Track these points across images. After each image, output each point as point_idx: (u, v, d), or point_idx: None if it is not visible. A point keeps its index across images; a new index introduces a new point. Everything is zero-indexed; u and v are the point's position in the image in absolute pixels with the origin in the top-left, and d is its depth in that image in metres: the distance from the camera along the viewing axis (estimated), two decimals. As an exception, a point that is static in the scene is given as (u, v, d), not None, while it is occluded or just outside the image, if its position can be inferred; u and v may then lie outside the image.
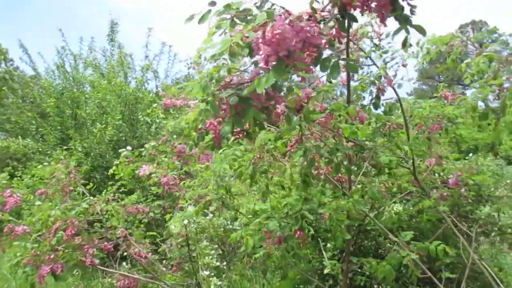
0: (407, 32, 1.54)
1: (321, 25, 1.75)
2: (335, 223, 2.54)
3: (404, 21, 1.57)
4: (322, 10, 1.76)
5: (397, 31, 1.61)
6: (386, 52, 3.22)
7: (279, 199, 2.84)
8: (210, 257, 3.65)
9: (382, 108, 3.38)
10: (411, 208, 4.37)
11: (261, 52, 1.67)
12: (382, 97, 3.94)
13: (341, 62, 1.76)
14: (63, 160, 4.40)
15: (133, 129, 8.29)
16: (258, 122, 2.36)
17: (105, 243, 4.84)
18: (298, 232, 2.76)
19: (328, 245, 5.19)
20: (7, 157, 11.04)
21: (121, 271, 4.90)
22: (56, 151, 7.54)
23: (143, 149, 4.91)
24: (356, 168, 3.66)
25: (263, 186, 3.02)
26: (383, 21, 1.62)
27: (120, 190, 5.39)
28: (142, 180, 4.91)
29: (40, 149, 8.60)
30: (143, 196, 6.10)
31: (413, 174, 3.96)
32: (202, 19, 1.79)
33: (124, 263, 6.07)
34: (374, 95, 3.24)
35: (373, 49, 3.18)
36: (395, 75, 3.94)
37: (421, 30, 1.60)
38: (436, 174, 4.84)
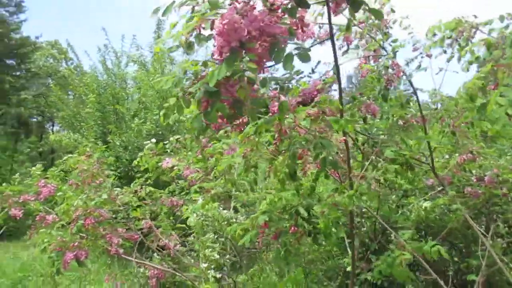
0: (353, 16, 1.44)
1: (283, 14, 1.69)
2: (326, 220, 2.45)
3: (357, 5, 1.47)
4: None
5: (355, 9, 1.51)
6: (395, 41, 3.05)
7: (277, 194, 2.79)
8: (211, 250, 3.66)
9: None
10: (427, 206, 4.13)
11: (215, 44, 1.63)
12: (399, 89, 3.77)
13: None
14: (88, 152, 4.58)
15: (170, 123, 8.48)
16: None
17: (132, 233, 5.03)
18: (293, 228, 2.70)
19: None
20: (60, 151, 11.74)
21: (145, 261, 5.06)
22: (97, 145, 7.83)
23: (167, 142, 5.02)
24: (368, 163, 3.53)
25: (274, 180, 2.98)
26: (338, 6, 1.53)
27: (147, 183, 5.54)
28: (165, 173, 5.01)
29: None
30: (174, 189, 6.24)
31: (432, 170, 3.75)
32: (165, 12, 1.78)
33: (155, 254, 6.25)
34: (382, 86, 3.08)
35: (381, 38, 3.02)
36: (419, 66, 3.74)
37: (377, 14, 1.49)
38: (474, 171, 4.57)
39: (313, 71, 3.58)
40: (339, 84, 2.44)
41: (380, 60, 2.88)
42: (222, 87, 1.88)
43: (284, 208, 2.75)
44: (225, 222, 3.92)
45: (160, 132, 8.33)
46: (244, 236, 2.78)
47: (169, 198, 5.65)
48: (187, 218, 4.48)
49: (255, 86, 1.97)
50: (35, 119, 25.90)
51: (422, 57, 3.72)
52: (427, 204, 4.46)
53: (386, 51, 3.25)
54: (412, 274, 3.32)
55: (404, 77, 3.07)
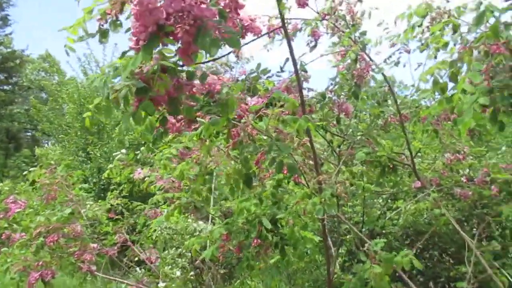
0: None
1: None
2: (290, 231, 2.20)
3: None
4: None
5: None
6: (363, 33, 2.82)
7: (238, 204, 2.53)
8: (170, 267, 3.40)
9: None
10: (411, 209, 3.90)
11: (131, 30, 1.39)
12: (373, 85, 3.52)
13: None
14: (52, 166, 4.32)
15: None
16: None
17: (107, 248, 4.77)
18: (256, 240, 2.45)
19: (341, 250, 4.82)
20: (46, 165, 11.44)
21: (119, 278, 4.79)
22: (78, 157, 7.60)
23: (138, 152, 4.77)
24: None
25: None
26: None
27: (122, 195, 5.28)
28: (138, 184, 4.76)
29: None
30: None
31: (414, 171, 3.52)
32: (80, -3, 1.54)
33: (137, 268, 5.97)
34: (353, 83, 2.85)
35: (349, 30, 2.79)
36: (397, 63, 3.52)
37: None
38: (462, 171, 4.35)
39: (281, 70, 3.36)
40: (298, 81, 2.22)
41: (349, 52, 2.64)
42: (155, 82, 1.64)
43: (247, 219, 2.50)
44: (188, 236, 3.66)
45: (144, 142, 8.06)
46: (205, 250, 2.53)
47: (152, 209, 5.39)
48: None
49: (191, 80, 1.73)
50: (29, 133, 25.59)
51: (400, 52, 3.51)
52: (410, 207, 4.23)
53: (360, 42, 3.03)
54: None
55: (378, 72, 2.83)
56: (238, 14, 1.52)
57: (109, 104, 1.71)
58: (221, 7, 1.48)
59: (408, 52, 3.51)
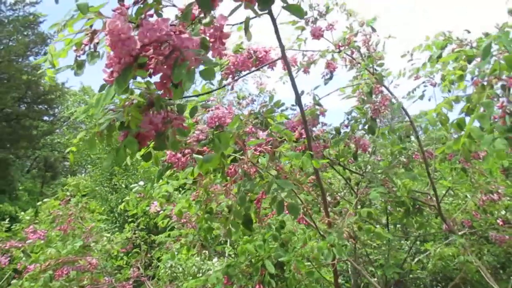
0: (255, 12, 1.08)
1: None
2: (292, 277, 2.00)
3: (265, 2, 1.11)
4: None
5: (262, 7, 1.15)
6: (381, 65, 2.66)
7: (241, 245, 2.36)
8: None
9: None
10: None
11: (106, 63, 1.30)
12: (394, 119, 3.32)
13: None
14: (67, 197, 4.31)
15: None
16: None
17: (123, 283, 4.66)
18: (258, 286, 2.26)
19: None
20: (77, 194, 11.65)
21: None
22: (103, 187, 7.66)
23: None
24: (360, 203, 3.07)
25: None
26: (248, 6, 1.18)
27: (139, 228, 5.21)
28: (153, 217, 4.68)
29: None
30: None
31: (438, 212, 3.25)
32: (64, 26, 1.47)
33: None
34: (368, 117, 2.67)
35: (365, 62, 2.64)
36: (422, 96, 3.33)
37: (297, 11, 1.13)
38: (498, 213, 4.03)
39: (296, 103, 3.23)
40: (303, 115, 2.08)
41: (362, 84, 2.48)
42: (144, 117, 1.54)
43: (250, 261, 2.32)
44: (190, 277, 3.48)
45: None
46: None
47: (168, 243, 5.26)
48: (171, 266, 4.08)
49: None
50: (67, 162, 26.43)
51: (425, 86, 3.32)
52: (438, 250, 3.89)
53: (375, 74, 2.87)
54: None
55: (397, 107, 2.65)
56: (223, 44, 1.41)
57: (93, 138, 1.62)
58: (204, 36, 1.37)
59: (434, 85, 3.31)
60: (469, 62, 1.73)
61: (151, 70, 1.33)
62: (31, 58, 20.53)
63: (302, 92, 3.07)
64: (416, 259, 4.60)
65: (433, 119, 1.62)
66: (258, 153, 2.08)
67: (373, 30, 2.64)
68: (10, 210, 16.74)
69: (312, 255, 2.13)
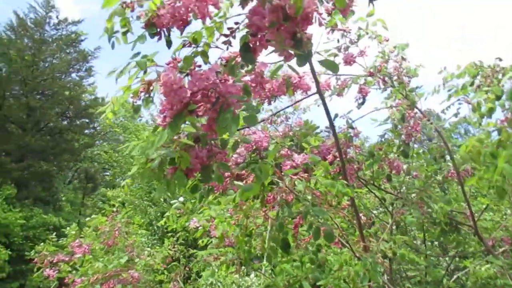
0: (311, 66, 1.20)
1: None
2: (329, 300, 2.09)
3: (303, 58, 1.24)
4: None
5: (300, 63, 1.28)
6: (412, 90, 2.72)
7: (279, 265, 2.47)
8: None
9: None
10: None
11: (159, 107, 1.47)
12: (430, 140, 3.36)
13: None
14: (113, 213, 4.54)
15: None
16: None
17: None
18: (297, 307, 2.36)
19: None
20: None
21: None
22: (143, 201, 7.93)
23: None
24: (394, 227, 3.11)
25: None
26: (287, 60, 1.31)
27: (179, 242, 5.40)
28: (192, 232, 4.84)
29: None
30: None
31: (475, 231, 3.24)
32: (121, 73, 1.65)
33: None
34: (401, 141, 2.74)
35: (397, 87, 2.71)
36: (457, 114, 3.36)
37: (332, 66, 1.25)
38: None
39: (330, 125, 3.33)
40: (336, 138, 2.17)
41: (393, 111, 2.56)
42: (191, 152, 1.69)
43: (288, 281, 2.43)
44: None
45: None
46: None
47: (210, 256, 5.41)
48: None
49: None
50: (107, 173, 27.32)
51: (460, 103, 3.34)
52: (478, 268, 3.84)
53: (408, 98, 2.93)
54: None
55: (429, 130, 2.70)
56: (264, 89, 1.55)
57: (145, 171, 1.78)
58: (246, 82, 1.51)
59: (469, 103, 3.33)
60: (498, 98, 1.79)
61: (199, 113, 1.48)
62: (73, 75, 21.52)
63: (336, 115, 3.17)
64: (454, 277, 4.54)
65: (465, 156, 1.68)
66: (295, 177, 2.19)
67: (404, 59, 2.71)
68: (54, 221, 17.51)
69: (348, 278, 2.21)
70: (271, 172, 1.97)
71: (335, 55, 3.00)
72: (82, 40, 21.82)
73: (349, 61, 2.93)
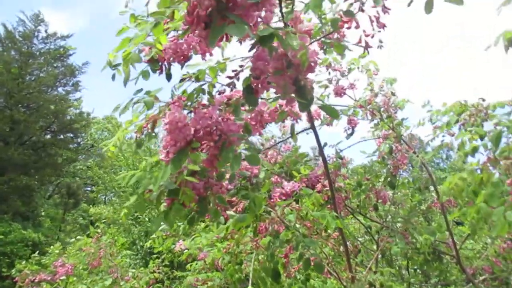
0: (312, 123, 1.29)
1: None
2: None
3: (305, 106, 1.32)
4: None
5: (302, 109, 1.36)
6: (399, 124, 2.84)
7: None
8: None
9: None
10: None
11: (162, 143, 1.53)
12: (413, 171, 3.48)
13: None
14: (98, 234, 4.53)
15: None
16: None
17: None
18: (284, 334, 2.40)
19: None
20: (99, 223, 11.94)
21: None
22: (127, 220, 7.85)
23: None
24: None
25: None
26: (289, 104, 1.39)
27: (164, 264, 5.37)
28: (177, 254, 4.84)
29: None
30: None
31: (457, 260, 3.33)
32: (124, 110, 1.72)
33: None
34: (389, 173, 2.84)
35: (385, 121, 2.83)
36: (441, 146, 3.49)
37: (332, 112, 1.34)
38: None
39: (319, 153, 3.41)
40: (326, 168, 2.25)
41: (382, 144, 2.66)
42: (187, 184, 1.75)
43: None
44: None
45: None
46: None
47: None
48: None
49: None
50: (89, 188, 26.92)
51: (443, 136, 3.48)
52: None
53: (396, 132, 3.05)
54: None
55: (415, 165, 2.81)
56: (263, 128, 1.63)
57: (143, 202, 1.83)
58: (247, 121, 1.58)
59: (452, 135, 3.47)
60: (481, 139, 1.90)
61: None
62: (60, 89, 21.39)
63: (325, 144, 3.27)
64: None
65: (447, 191, 1.78)
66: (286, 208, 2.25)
67: (393, 94, 2.84)
68: (33, 236, 17.13)
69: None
70: (264, 203, 2.03)
71: (326, 87, 3.10)
72: (70, 55, 21.82)
73: (339, 92, 3.03)
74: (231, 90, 1.55)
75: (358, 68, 2.80)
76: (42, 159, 19.74)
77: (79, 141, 22.78)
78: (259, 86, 1.47)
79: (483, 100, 2.33)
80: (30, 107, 20.01)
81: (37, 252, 5.61)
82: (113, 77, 1.85)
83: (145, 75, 1.73)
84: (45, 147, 20.36)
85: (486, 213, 1.50)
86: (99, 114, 31.87)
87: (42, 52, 21.06)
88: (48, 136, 21.43)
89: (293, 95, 1.39)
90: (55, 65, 21.35)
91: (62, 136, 21.72)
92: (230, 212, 2.23)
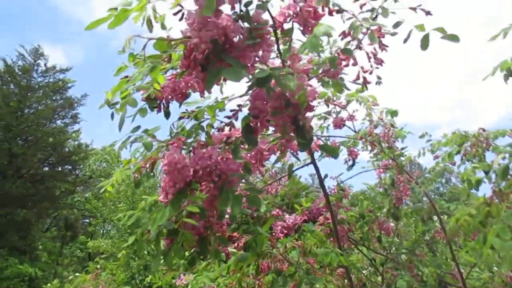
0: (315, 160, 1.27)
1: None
2: None
3: (305, 146, 1.30)
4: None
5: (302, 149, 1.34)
6: (400, 155, 2.82)
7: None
8: None
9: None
10: None
11: (162, 184, 1.50)
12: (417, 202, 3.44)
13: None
14: (96, 271, 4.43)
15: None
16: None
17: None
18: None
19: None
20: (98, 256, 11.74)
21: None
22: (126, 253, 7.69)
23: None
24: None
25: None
26: (287, 146, 1.37)
27: (164, 300, 5.24)
28: (178, 289, 4.72)
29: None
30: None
31: (464, 294, 3.25)
32: (121, 147, 1.69)
33: None
34: (392, 205, 2.80)
35: (385, 152, 2.81)
36: (442, 174, 3.46)
37: (332, 151, 1.32)
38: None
39: (320, 186, 3.38)
40: (327, 200, 2.21)
41: (384, 176, 2.64)
42: (186, 224, 1.71)
43: None
44: None
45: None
46: None
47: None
48: None
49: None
50: (87, 221, 26.61)
51: (442, 164, 3.45)
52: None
53: (397, 163, 3.02)
54: None
55: (418, 195, 2.78)
56: (263, 166, 1.60)
57: (141, 243, 1.78)
58: (246, 160, 1.56)
59: (453, 164, 3.45)
60: (486, 173, 1.88)
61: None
62: (58, 122, 21.44)
63: (326, 175, 3.24)
64: None
65: (456, 228, 1.74)
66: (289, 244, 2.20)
67: (393, 126, 2.83)
68: (30, 271, 16.80)
69: None
70: (264, 242, 1.98)
71: (325, 118, 3.10)
72: (69, 87, 21.97)
73: (339, 124, 3.03)
74: (230, 130, 1.53)
75: (357, 100, 2.80)
76: (40, 192, 19.59)
77: (77, 172, 22.67)
78: (258, 125, 1.45)
79: (483, 130, 2.32)
80: (28, 140, 20.01)
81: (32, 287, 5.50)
82: (112, 116, 1.84)
83: (142, 112, 1.72)
84: (43, 179, 20.24)
85: (501, 247, 1.46)
86: (98, 145, 31.87)
87: (41, 85, 21.22)
88: (46, 169, 21.33)
89: (292, 134, 1.38)
90: (54, 98, 21.47)
91: (60, 168, 21.62)
92: (232, 250, 2.18)
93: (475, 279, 4.27)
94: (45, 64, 21.63)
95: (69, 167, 21.90)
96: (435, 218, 3.40)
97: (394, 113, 2.83)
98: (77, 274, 4.44)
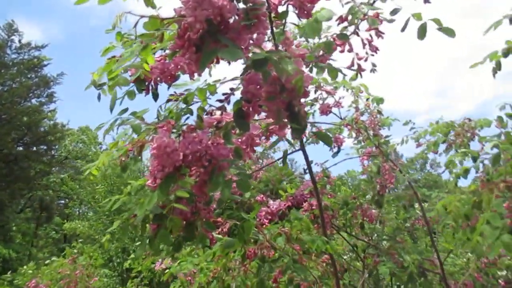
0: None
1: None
2: None
3: (299, 132, 1.27)
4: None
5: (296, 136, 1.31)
6: (386, 142, 2.83)
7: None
8: None
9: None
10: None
11: (150, 168, 1.45)
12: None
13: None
14: (73, 255, 4.35)
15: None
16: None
17: None
18: None
19: None
20: (74, 239, 11.58)
21: None
22: (104, 236, 7.62)
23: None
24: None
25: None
26: (281, 130, 1.34)
27: (143, 283, 5.21)
28: (158, 274, 4.70)
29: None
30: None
31: (443, 278, 3.33)
32: (107, 130, 1.63)
33: None
34: (375, 192, 2.82)
35: (371, 140, 2.81)
36: (425, 163, 3.50)
37: (326, 139, 1.29)
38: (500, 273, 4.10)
39: (305, 172, 3.37)
40: (317, 195, 2.21)
41: (369, 163, 2.65)
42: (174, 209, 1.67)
43: None
44: None
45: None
46: None
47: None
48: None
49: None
50: (62, 202, 26.16)
51: (427, 153, 3.49)
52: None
53: (382, 151, 3.04)
54: None
55: (402, 183, 2.81)
56: (254, 151, 1.57)
57: (127, 228, 1.74)
58: (237, 145, 1.52)
59: (436, 153, 3.49)
60: (474, 160, 1.90)
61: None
62: (33, 100, 20.85)
63: (311, 161, 3.23)
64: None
65: (443, 211, 1.75)
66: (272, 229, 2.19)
67: (380, 113, 2.83)
68: (4, 253, 16.50)
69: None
70: (252, 229, 1.96)
71: (312, 104, 3.07)
72: (45, 65, 21.32)
73: (325, 111, 3.01)
74: (221, 114, 1.48)
75: (344, 87, 2.78)
76: (13, 172, 19.13)
77: (53, 153, 22.18)
78: (251, 110, 1.41)
79: (469, 120, 2.34)
80: (1, 119, 19.41)
81: (6, 268, 5.41)
82: (99, 97, 1.77)
83: (130, 95, 1.66)
84: (17, 159, 19.74)
85: (490, 235, 1.47)
86: (74, 125, 31.22)
87: (15, 62, 20.52)
88: (21, 148, 20.80)
89: (285, 120, 1.35)
90: (29, 75, 20.81)
91: (35, 148, 21.12)
92: (217, 235, 2.16)
93: (450, 265, 4.37)
94: (19, 41, 20.92)
95: (45, 147, 21.40)
96: (416, 205, 3.45)
97: (380, 101, 2.83)
98: (53, 258, 4.36)
